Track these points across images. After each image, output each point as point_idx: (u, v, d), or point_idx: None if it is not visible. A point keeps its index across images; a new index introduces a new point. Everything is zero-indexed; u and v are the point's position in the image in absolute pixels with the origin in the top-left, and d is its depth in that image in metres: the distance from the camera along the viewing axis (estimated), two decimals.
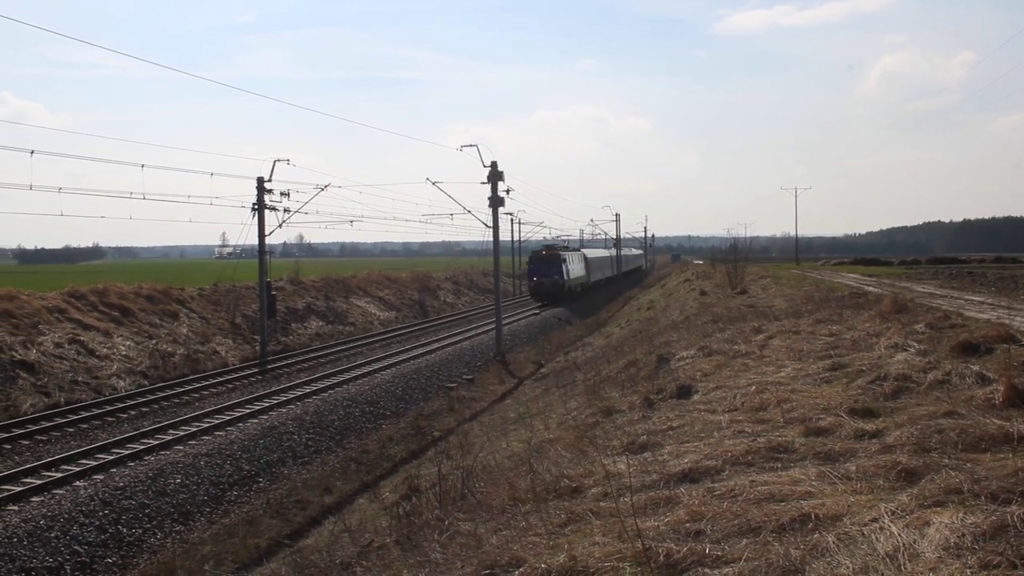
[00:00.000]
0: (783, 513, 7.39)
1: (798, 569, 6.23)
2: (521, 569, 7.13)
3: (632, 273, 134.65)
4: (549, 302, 75.45)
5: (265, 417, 27.90)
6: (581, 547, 7.30)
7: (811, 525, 7.08)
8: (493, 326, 47.52)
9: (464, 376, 38.96)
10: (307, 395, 31.61)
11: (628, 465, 9.73)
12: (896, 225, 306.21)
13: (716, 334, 23.92)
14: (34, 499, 18.99)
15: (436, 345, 46.55)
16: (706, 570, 6.48)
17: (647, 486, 9.14)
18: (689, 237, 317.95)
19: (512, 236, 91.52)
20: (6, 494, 18.99)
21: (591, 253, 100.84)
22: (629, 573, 6.64)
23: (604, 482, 9.49)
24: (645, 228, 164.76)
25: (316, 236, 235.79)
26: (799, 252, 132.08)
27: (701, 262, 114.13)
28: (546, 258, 78.08)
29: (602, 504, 8.72)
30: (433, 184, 45.83)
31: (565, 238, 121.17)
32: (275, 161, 42.34)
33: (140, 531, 18.68)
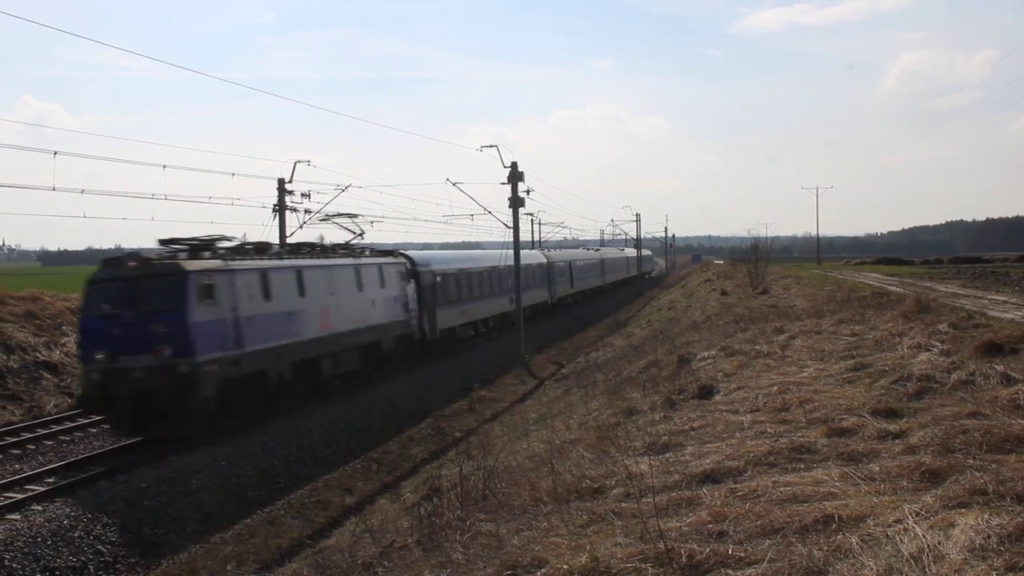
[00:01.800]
0: (806, 514, 7.36)
1: (821, 570, 6.20)
2: (543, 570, 7.12)
3: (603, 291, 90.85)
4: (151, 431, 24.03)
5: (287, 417, 27.94)
6: (603, 548, 7.29)
7: (834, 526, 7.05)
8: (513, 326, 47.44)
9: (485, 377, 38.96)
10: (326, 396, 31.62)
11: (650, 465, 9.71)
12: (918, 224, 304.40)
13: (737, 334, 23.84)
14: (58, 499, 19.09)
15: (459, 344, 46.53)
16: (729, 571, 6.46)
17: (669, 487, 9.12)
18: (710, 237, 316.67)
19: (532, 236, 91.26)
20: (30, 494, 19.11)
21: (434, 259, 44.94)
22: (651, 574, 6.62)
23: (626, 483, 9.47)
24: (666, 228, 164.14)
25: (337, 237, 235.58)
26: (820, 252, 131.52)
27: (722, 262, 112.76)
28: (132, 287, 23.99)
29: (624, 505, 8.71)
30: (453, 185, 45.75)
31: (584, 239, 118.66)
32: (296, 162, 42.46)
33: (163, 531, 18.76)
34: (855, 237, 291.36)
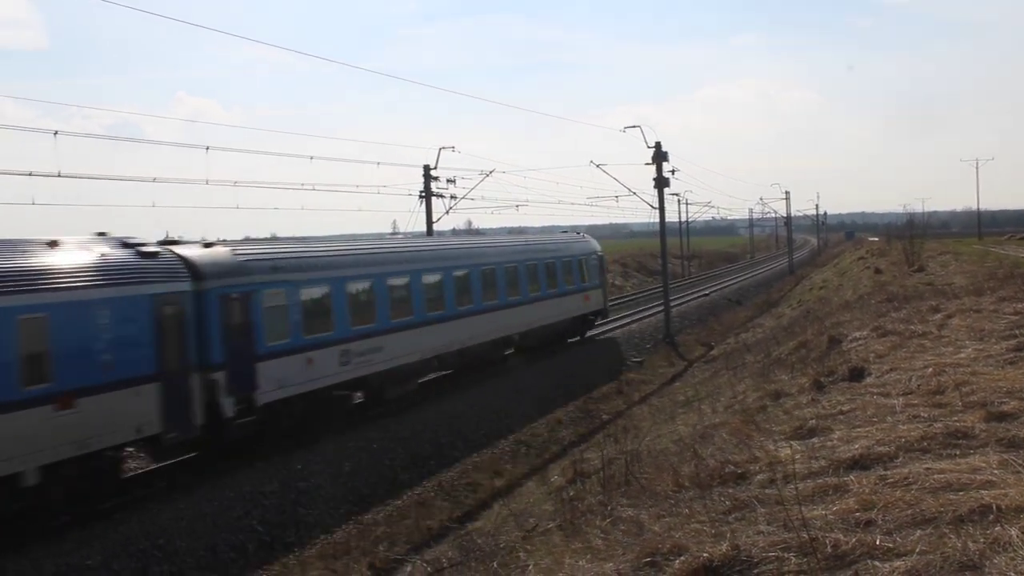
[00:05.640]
0: (961, 503, 7.05)
1: (977, 564, 5.92)
2: (682, 558, 7.02)
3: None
4: None
5: (437, 400, 28.33)
6: (744, 536, 7.15)
7: (992, 517, 6.73)
8: (662, 308, 47.12)
9: (633, 359, 38.78)
10: (479, 379, 31.92)
11: (795, 451, 9.49)
12: None
13: (891, 313, 23.07)
14: (219, 481, 19.77)
15: (604, 328, 46.38)
16: (876, 563, 6.23)
17: (814, 473, 8.88)
18: (863, 214, 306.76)
19: (679, 217, 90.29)
20: (193, 476, 19.84)
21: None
22: (794, 564, 6.45)
23: (770, 468, 9.28)
24: (817, 205, 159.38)
25: (483, 221, 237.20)
26: (982, 226, 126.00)
27: (876, 239, 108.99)
28: None
29: (767, 491, 8.53)
30: (597, 166, 45.69)
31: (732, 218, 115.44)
32: (440, 149, 43.06)
33: (317, 512, 19.26)
34: (1021, 211, 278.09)
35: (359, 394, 26.00)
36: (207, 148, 29.56)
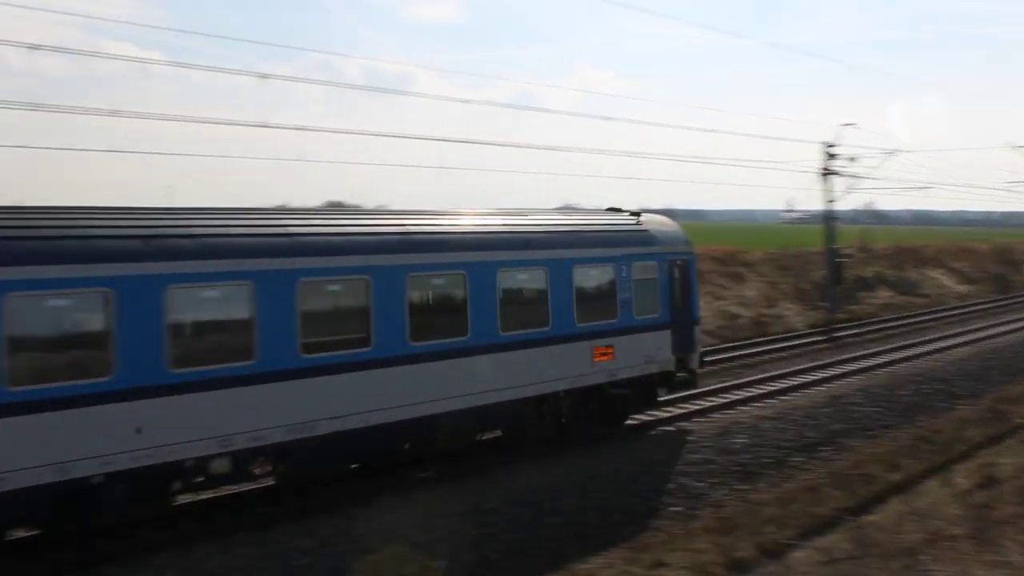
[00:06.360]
0: None
1: None
2: None
3: None
4: None
5: (830, 385, 27.65)
6: None
7: None
8: None
9: None
10: (874, 367, 30.83)
11: None
12: None
13: None
14: (612, 445, 20.48)
15: (1019, 324, 43.03)
16: None
17: None
18: None
19: None
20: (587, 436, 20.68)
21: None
22: None
23: None
24: None
25: (885, 203, 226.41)
26: None
27: None
28: None
29: None
30: (1016, 147, 42.27)
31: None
32: (842, 126, 41.83)
33: (705, 484, 19.44)
34: None
35: None
36: (605, 118, 30.35)
